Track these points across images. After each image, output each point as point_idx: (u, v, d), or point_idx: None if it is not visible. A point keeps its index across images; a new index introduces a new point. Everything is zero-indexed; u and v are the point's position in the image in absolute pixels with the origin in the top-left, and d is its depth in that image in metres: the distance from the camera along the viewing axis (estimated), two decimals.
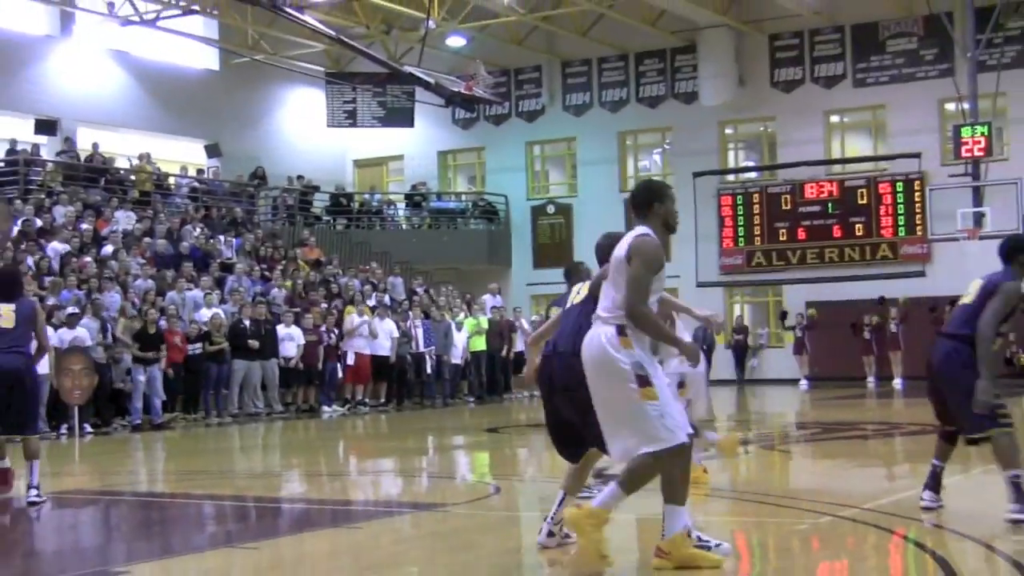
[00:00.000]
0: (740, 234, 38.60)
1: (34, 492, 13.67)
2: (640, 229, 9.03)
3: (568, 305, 10.09)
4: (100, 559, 11.02)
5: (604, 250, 9.49)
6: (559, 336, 9.96)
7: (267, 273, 35.25)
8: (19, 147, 36.82)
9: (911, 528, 10.76)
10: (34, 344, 15.44)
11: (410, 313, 34.32)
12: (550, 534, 9.91)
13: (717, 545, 9.24)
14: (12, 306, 14.00)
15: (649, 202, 9.21)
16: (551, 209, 46.38)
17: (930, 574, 9.09)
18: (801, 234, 38.68)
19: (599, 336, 8.85)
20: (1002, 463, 10.95)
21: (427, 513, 13.08)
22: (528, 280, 41.81)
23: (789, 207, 38.77)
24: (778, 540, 10.74)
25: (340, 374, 31.51)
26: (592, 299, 9.47)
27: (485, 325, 35.71)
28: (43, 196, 34.69)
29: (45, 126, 37.85)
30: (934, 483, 11.44)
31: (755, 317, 45.08)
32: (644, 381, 8.70)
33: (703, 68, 43.57)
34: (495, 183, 47.35)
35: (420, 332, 33.91)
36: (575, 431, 9.87)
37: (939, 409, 11.42)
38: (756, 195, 39.94)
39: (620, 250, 8.94)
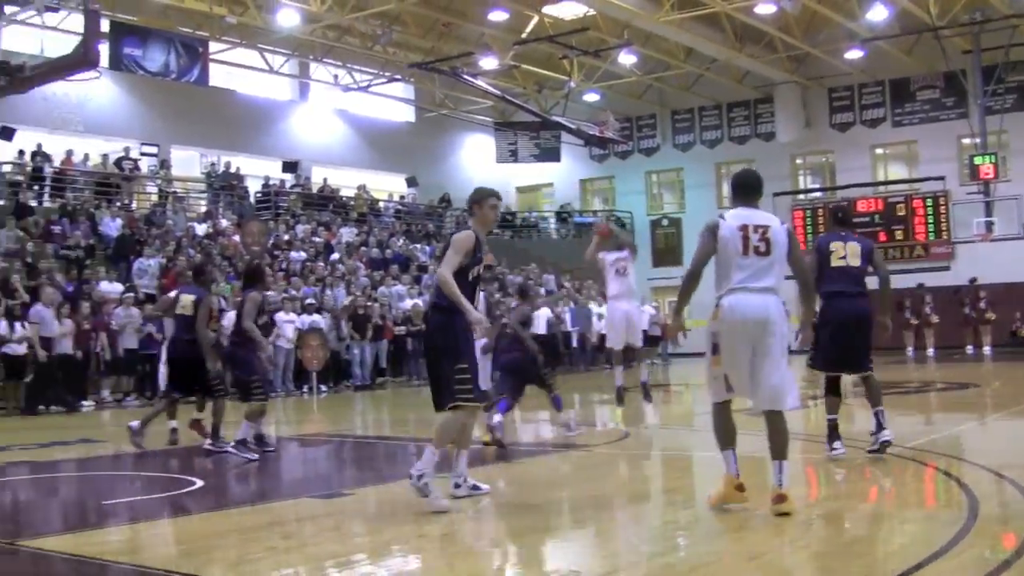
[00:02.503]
0: (809, 239, 38.05)
1: (207, 442, 13.50)
2: (770, 216, 8.50)
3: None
4: (334, 484, 11.18)
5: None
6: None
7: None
8: (271, 182, 37.43)
9: (940, 461, 10.61)
10: (230, 321, 15.41)
11: (560, 302, 34.37)
12: (456, 486, 9.39)
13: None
14: (192, 296, 13.84)
15: (758, 188, 8.69)
16: (665, 222, 46.20)
17: (954, 495, 8.96)
18: None
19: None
20: (872, 400, 10.85)
21: (575, 452, 13.10)
22: (648, 276, 41.42)
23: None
24: (839, 471, 10.63)
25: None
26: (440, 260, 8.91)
27: None
28: (288, 217, 35.24)
29: (290, 166, 38.43)
30: (836, 433, 10.90)
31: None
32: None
33: (778, 114, 43.36)
34: (622, 203, 47.30)
35: (568, 316, 33.92)
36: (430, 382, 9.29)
37: (851, 355, 10.83)
38: (820, 210, 39.39)
39: (783, 233, 8.30)
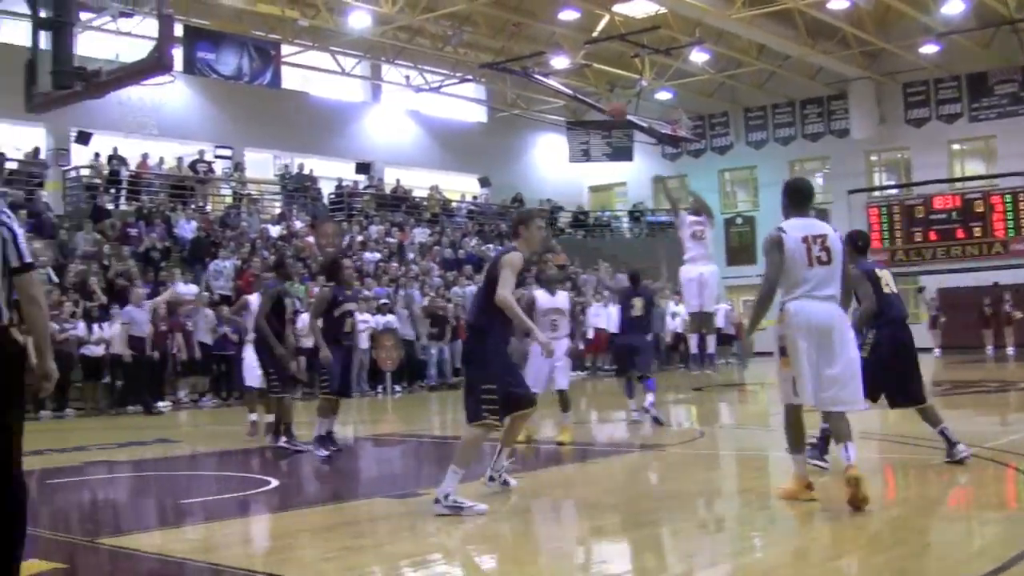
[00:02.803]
0: (884, 237, 37.64)
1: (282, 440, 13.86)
2: (823, 224, 8.73)
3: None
4: (407, 483, 11.21)
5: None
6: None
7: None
8: (344, 183, 37.67)
9: (1020, 462, 10.43)
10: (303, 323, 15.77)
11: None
12: (491, 479, 9.56)
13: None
14: (255, 297, 14.22)
15: (812, 196, 8.93)
16: (739, 221, 45.93)
17: None
18: (932, 236, 37.62)
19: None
20: (933, 422, 10.40)
21: (649, 452, 13.06)
22: (723, 275, 41.42)
23: (922, 215, 37.74)
24: (918, 472, 10.51)
25: (581, 346, 31.48)
26: (487, 282, 8.94)
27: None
28: (362, 218, 35.41)
29: (363, 167, 38.60)
30: (827, 446, 10.14)
31: None
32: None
33: (852, 110, 42.94)
34: None
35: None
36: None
37: (899, 386, 10.41)
38: (896, 207, 38.97)
39: (838, 241, 8.54)
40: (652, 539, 7.98)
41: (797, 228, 8.49)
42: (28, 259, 5.67)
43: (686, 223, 16.55)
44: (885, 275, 10.66)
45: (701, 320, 17.26)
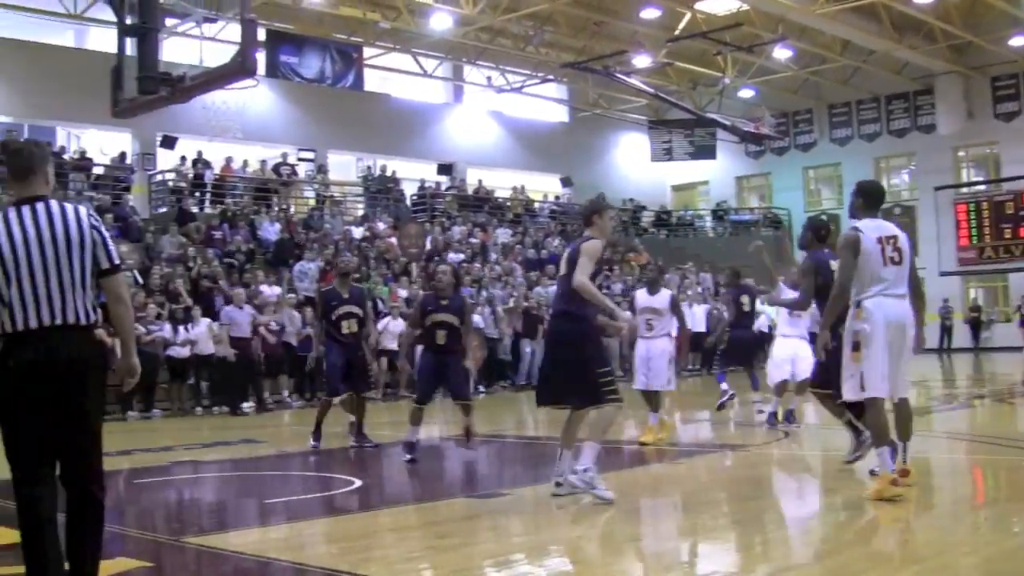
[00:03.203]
0: (973, 233, 37.14)
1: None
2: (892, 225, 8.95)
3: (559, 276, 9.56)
4: (491, 484, 11.22)
5: None
6: (552, 300, 10.06)
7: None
8: (426, 184, 37.85)
9: None
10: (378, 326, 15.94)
11: (717, 299, 34.05)
12: (557, 484, 9.38)
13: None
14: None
15: (883, 198, 9.19)
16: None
17: None
18: (1022, 232, 37.05)
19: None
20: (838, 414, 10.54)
21: (732, 452, 12.98)
22: None
23: (1012, 211, 37.14)
24: (1008, 473, 10.34)
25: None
26: (568, 270, 9.08)
27: None
28: (444, 219, 35.52)
29: (445, 169, 38.80)
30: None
31: (987, 298, 43.60)
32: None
33: (939, 105, 42.40)
34: (779, 200, 46.76)
35: (725, 312, 33.50)
36: (550, 381, 9.38)
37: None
38: (985, 203, 38.40)
39: (907, 242, 8.78)
40: (737, 540, 7.91)
41: (872, 229, 8.71)
42: (116, 261, 5.82)
43: (784, 293, 16.28)
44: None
45: (787, 388, 16.34)
